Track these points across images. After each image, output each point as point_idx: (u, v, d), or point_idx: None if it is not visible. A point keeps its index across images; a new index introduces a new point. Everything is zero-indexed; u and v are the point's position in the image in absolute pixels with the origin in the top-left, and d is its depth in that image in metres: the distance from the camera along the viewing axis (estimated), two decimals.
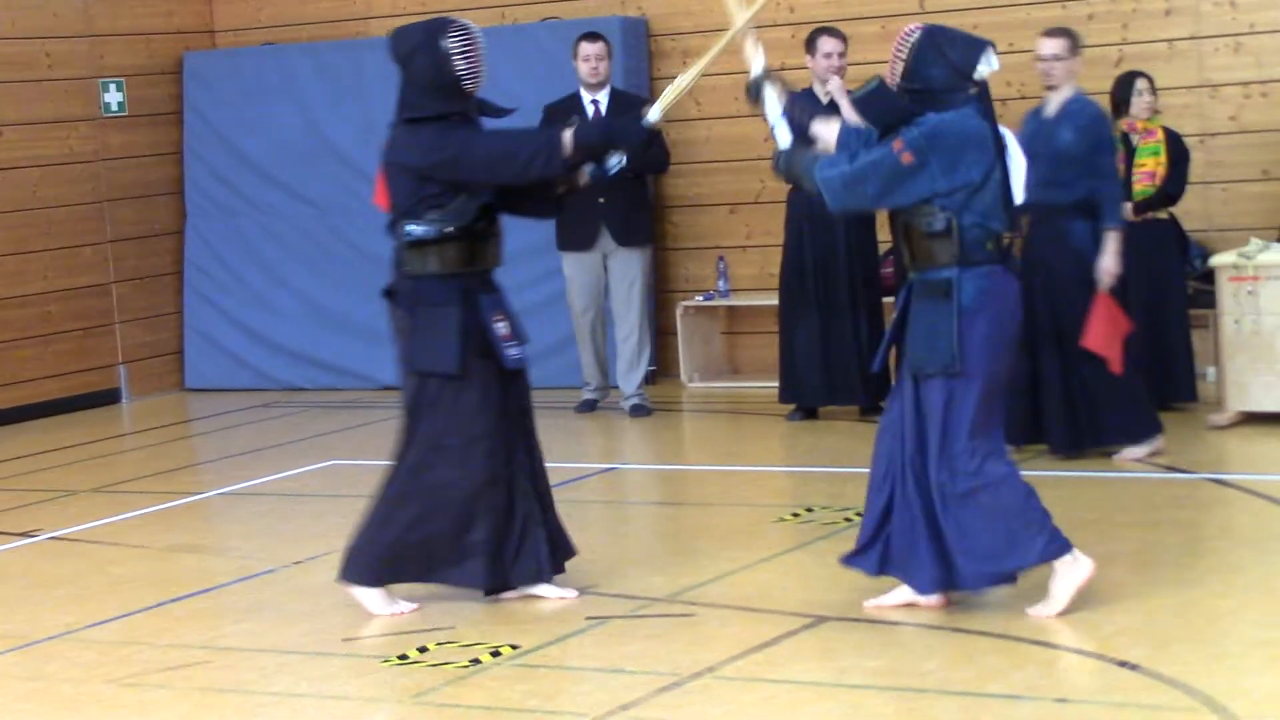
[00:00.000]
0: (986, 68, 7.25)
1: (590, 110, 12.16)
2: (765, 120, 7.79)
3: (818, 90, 11.35)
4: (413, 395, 7.76)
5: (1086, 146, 9.92)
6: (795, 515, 9.17)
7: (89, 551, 9.48)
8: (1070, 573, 7.24)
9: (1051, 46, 10.07)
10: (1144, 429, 10.08)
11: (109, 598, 8.44)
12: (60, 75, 14.08)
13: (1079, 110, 10.00)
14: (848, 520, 8.93)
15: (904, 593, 7.43)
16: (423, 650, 7.28)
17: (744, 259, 13.37)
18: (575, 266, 12.40)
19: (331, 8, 14.80)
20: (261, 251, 14.58)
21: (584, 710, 6.47)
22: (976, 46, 7.28)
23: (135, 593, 8.49)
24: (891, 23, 12.66)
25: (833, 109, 11.25)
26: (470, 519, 7.70)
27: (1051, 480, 9.69)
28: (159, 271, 14.70)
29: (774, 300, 11.90)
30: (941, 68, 7.19)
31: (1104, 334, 9.84)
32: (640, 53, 13.52)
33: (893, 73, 7.28)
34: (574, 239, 12.32)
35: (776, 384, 11.75)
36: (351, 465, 11.37)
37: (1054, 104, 10.04)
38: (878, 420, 11.13)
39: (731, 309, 13.48)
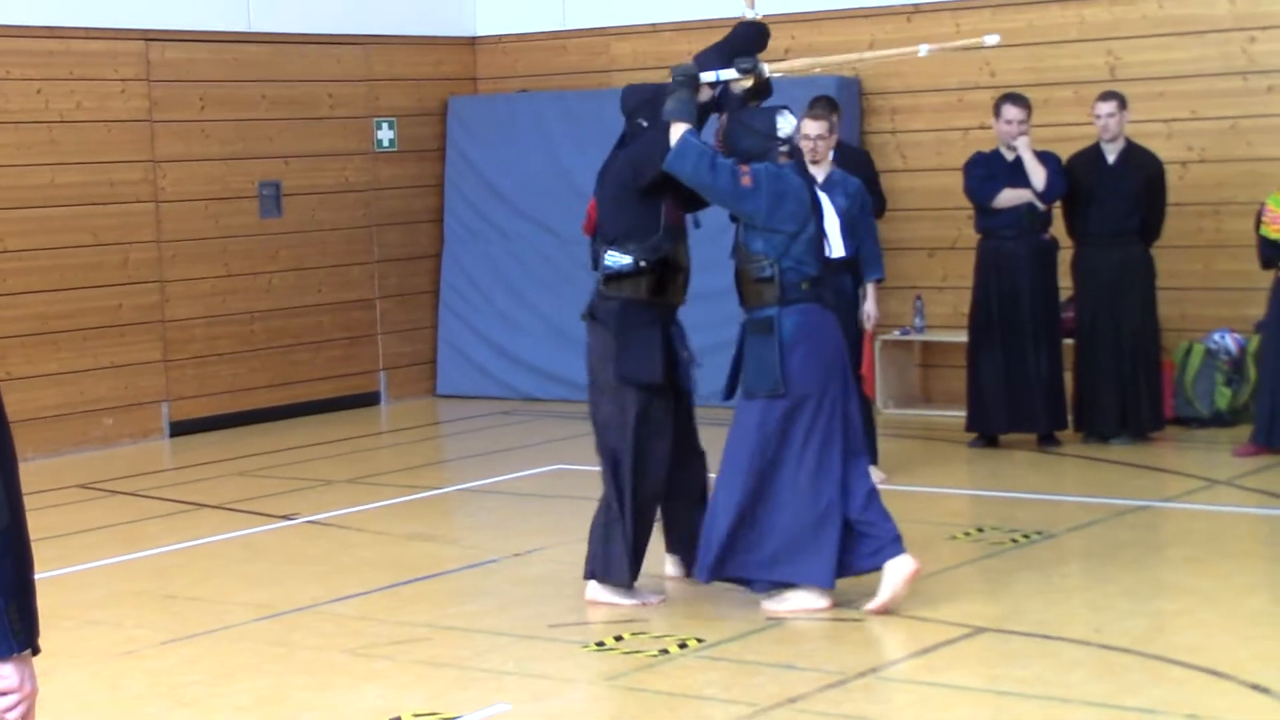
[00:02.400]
0: (786, 126, 7.69)
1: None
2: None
3: (1004, 152, 11.24)
4: (608, 409, 7.93)
5: None
6: (967, 534, 9.11)
7: (338, 535, 9.70)
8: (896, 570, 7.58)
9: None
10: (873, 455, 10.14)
11: (351, 577, 8.63)
12: (340, 114, 14.40)
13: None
14: (1014, 541, 8.87)
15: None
16: (619, 639, 7.36)
17: (939, 298, 13.29)
18: None
19: (579, 60, 14.98)
20: (508, 275, 14.78)
21: (755, 700, 6.50)
22: (772, 112, 7.74)
23: (374, 574, 8.67)
24: (1083, 89, 12.57)
25: (1017, 165, 11.18)
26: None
27: (1191, 513, 9.58)
28: (418, 290, 14.96)
29: (964, 337, 11.81)
30: (751, 138, 7.67)
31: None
32: (854, 111, 13.52)
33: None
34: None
35: (964, 413, 11.67)
36: (576, 469, 11.47)
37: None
38: (1053, 450, 11.18)
39: (926, 344, 13.41)
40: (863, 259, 10.36)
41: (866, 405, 10.45)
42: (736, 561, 7.68)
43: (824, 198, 7.81)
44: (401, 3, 14.87)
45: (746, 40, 8.24)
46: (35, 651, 3.43)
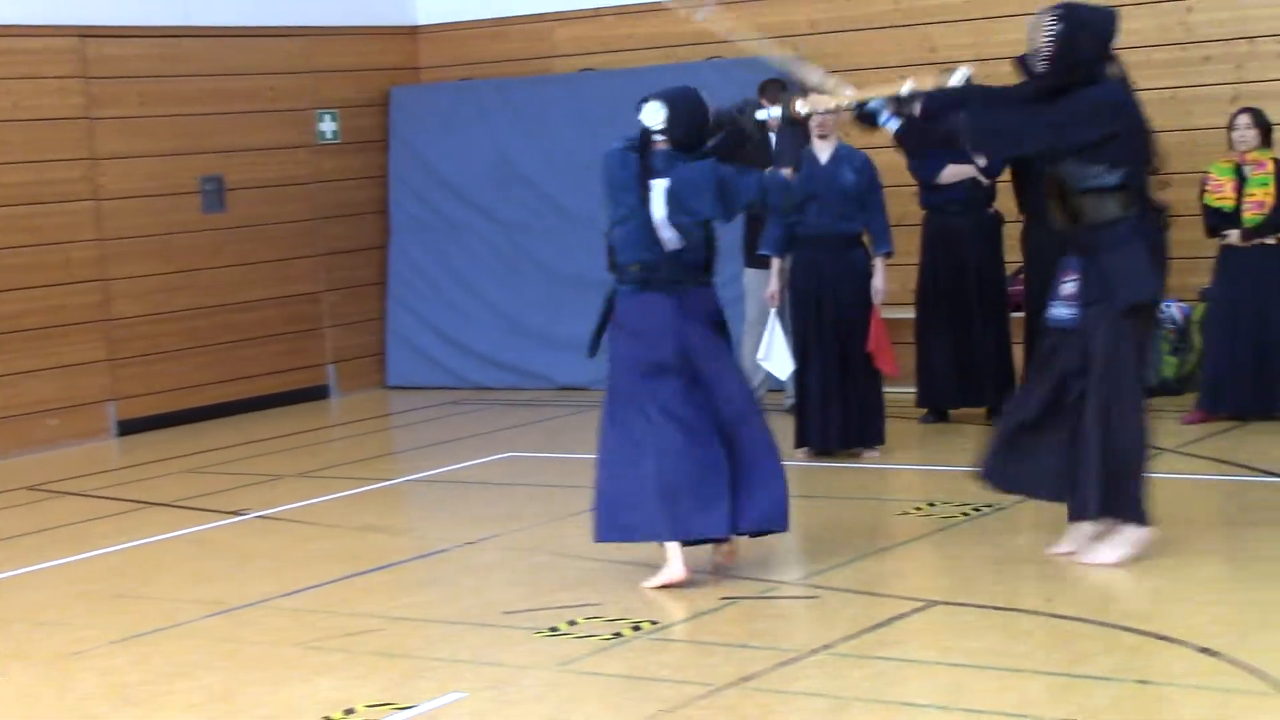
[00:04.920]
0: (644, 118, 7.82)
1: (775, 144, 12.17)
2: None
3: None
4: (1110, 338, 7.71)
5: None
6: (918, 509, 9.12)
7: (289, 529, 9.65)
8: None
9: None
10: (880, 434, 10.55)
11: (302, 571, 8.59)
12: (281, 107, 14.33)
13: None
14: (965, 515, 8.89)
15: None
16: (572, 623, 7.34)
17: (895, 275, 13.25)
18: (755, 281, 12.37)
19: (521, 47, 14.94)
20: (455, 264, 14.74)
21: (709, 680, 6.48)
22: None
23: (325, 567, 8.64)
24: None
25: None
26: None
27: (1157, 481, 9.60)
28: (365, 282, 14.90)
29: (912, 313, 11.81)
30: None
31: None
32: (795, 90, 13.48)
33: None
34: (758, 257, 12.31)
35: (914, 389, 11.68)
36: (527, 457, 11.46)
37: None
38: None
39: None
40: (871, 234, 10.48)
41: (876, 382, 10.50)
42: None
43: (656, 187, 7.78)
44: None
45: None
46: None
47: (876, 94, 7.96)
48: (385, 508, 10.31)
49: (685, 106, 7.85)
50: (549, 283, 13.91)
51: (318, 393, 14.48)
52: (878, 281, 10.49)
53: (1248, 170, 10.93)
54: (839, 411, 10.50)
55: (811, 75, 8.29)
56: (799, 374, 10.64)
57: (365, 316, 14.90)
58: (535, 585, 8.05)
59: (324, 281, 14.57)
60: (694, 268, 7.96)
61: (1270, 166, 10.92)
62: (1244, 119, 11.00)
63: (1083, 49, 7.67)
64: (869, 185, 10.47)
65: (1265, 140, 11.03)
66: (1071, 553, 7.87)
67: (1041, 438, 7.83)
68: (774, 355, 10.47)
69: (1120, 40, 12.38)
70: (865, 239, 10.63)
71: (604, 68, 14.35)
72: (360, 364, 14.86)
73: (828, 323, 10.49)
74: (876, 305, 10.52)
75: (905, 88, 7.90)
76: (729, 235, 12.56)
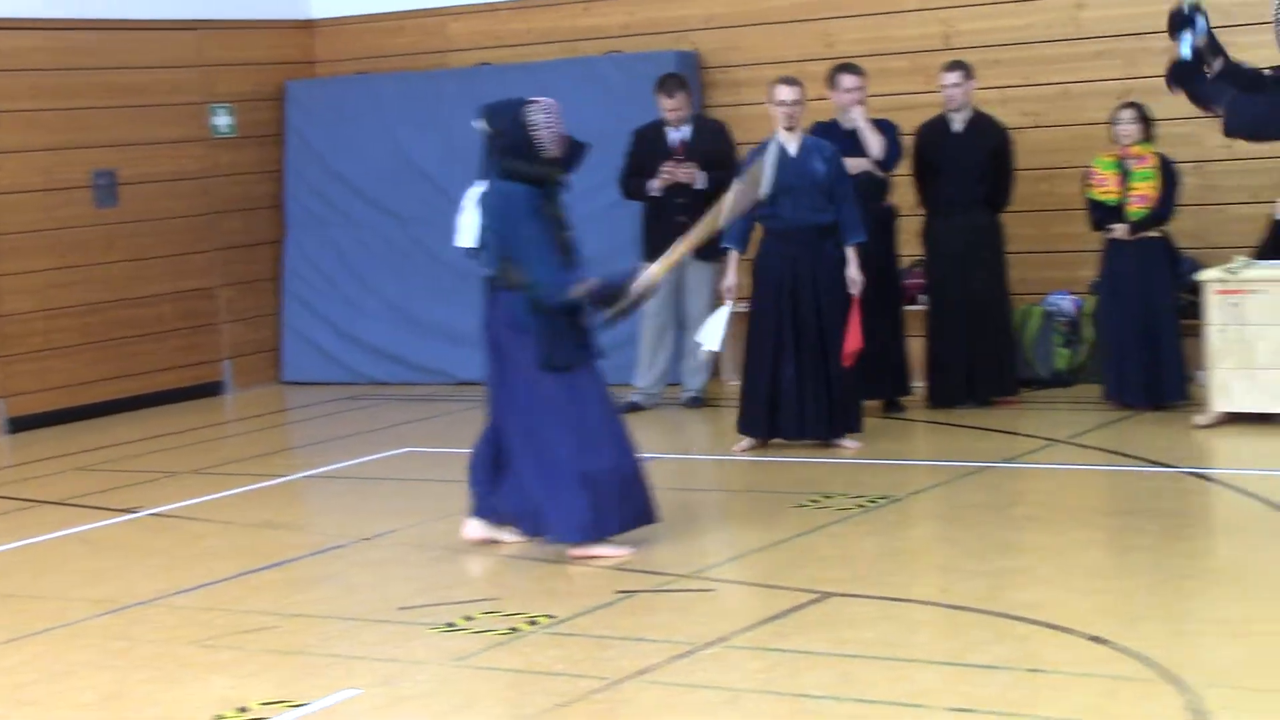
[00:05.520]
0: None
1: (673, 138, 12.21)
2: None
3: (841, 121, 11.32)
4: None
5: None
6: (814, 501, 9.17)
7: (182, 526, 9.57)
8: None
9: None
10: (858, 423, 10.57)
11: (196, 568, 8.52)
12: (176, 101, 14.20)
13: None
14: (860, 507, 8.95)
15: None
16: (468, 619, 7.32)
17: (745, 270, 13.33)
18: None
19: (416, 41, 14.89)
20: (352, 259, 14.68)
21: (605, 674, 6.49)
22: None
23: (219, 564, 8.57)
24: (920, 58, 12.70)
25: (855, 134, 11.25)
26: None
27: (1032, 472, 9.73)
28: (260, 277, 14.81)
29: None
30: None
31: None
32: (693, 85, 13.53)
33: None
34: (656, 251, 12.29)
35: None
36: (425, 453, 11.43)
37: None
38: (899, 415, 11.30)
39: None
40: (842, 223, 10.40)
41: (850, 371, 10.46)
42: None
43: (471, 193, 8.08)
44: None
45: None
46: None
47: None
48: (280, 504, 10.24)
49: (502, 114, 8.13)
50: (445, 277, 13.85)
51: (213, 389, 14.36)
52: (853, 271, 10.39)
53: (1130, 164, 11.06)
54: (818, 402, 10.45)
55: None
56: (766, 367, 10.51)
57: (261, 312, 14.80)
58: (431, 581, 8.04)
59: (219, 276, 14.45)
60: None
61: (1152, 160, 11.06)
62: (1127, 113, 11.14)
63: None
64: (838, 175, 10.45)
65: (1147, 134, 11.17)
66: None
67: None
68: (710, 330, 10.29)
69: (1013, 35, 12.62)
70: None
71: (500, 62, 14.32)
72: (256, 359, 14.75)
73: (806, 315, 10.41)
74: (855, 296, 10.41)
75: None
76: (628, 228, 12.63)
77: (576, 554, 8.18)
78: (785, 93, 10.38)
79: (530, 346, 8.09)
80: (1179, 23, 7.91)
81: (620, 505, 8.20)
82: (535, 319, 8.06)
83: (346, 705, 6.36)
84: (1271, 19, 7.61)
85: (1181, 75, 7.92)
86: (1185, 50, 7.81)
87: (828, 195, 10.39)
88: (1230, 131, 8.00)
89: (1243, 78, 7.76)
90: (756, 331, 10.56)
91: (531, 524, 8.34)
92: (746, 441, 10.64)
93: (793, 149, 10.38)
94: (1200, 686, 5.94)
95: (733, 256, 10.52)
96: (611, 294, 8.12)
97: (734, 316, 10.12)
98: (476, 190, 8.31)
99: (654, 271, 8.31)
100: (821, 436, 10.50)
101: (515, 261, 8.07)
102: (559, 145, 8.13)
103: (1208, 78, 7.78)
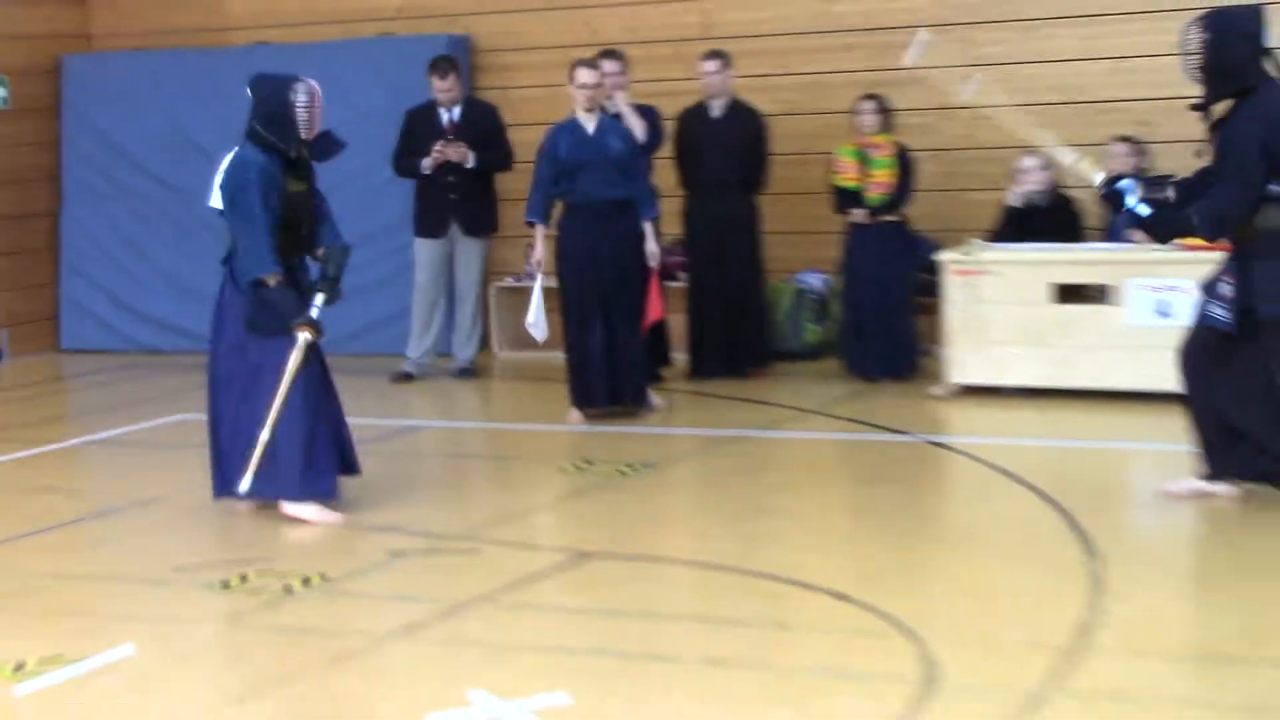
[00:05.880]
0: None
1: (444, 119, 12.21)
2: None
3: (605, 105, 11.38)
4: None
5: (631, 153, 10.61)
6: (577, 467, 9.26)
7: None
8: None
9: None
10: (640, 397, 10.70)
11: None
12: None
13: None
14: (621, 472, 9.06)
15: None
16: (243, 579, 7.28)
17: (550, 245, 13.39)
18: (426, 252, 12.40)
19: (195, 18, 14.68)
20: (129, 231, 14.47)
21: (374, 630, 6.51)
22: None
23: None
24: (681, 46, 12.84)
25: (617, 118, 11.32)
26: None
27: (783, 440, 9.91)
28: (36, 247, 14.51)
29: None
30: None
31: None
32: (464, 68, 13.55)
33: None
34: (427, 228, 12.34)
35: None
36: (199, 419, 11.25)
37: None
38: (657, 387, 11.44)
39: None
40: (638, 200, 10.51)
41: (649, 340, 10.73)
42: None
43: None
44: None
45: None
46: None
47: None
48: (56, 469, 10.07)
49: (266, 85, 8.14)
50: (220, 248, 13.68)
51: None
52: (651, 245, 10.51)
53: (870, 152, 11.34)
54: (628, 370, 10.54)
55: (1067, 157, 8.37)
56: (579, 338, 10.56)
57: (38, 281, 14.50)
58: (206, 542, 7.98)
59: None
60: None
61: (891, 149, 11.35)
62: (867, 104, 11.42)
63: (1234, 53, 7.41)
64: (631, 153, 10.55)
65: (887, 125, 11.45)
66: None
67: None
68: (534, 315, 10.43)
69: (770, 26, 12.81)
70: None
71: (277, 42, 14.18)
72: (33, 328, 14.47)
73: (607, 285, 10.47)
74: (654, 267, 10.54)
75: (1070, 158, 8.12)
76: (400, 205, 12.61)
77: (289, 512, 8.22)
78: (585, 75, 10.50)
79: (243, 306, 8.10)
80: (1115, 199, 7.97)
81: (326, 469, 8.22)
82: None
83: (123, 663, 6.30)
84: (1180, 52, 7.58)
85: (1151, 225, 7.98)
86: (1142, 210, 7.83)
87: (623, 171, 10.50)
88: (1211, 238, 7.88)
89: (1190, 189, 7.76)
90: (564, 305, 10.63)
91: (257, 484, 8.22)
92: (577, 414, 10.63)
93: (590, 128, 10.48)
94: (931, 638, 6.12)
95: (539, 231, 10.61)
96: (282, 305, 8.07)
97: (545, 291, 10.27)
98: (227, 157, 8.28)
99: (310, 315, 8.14)
100: (634, 401, 10.62)
101: (229, 226, 8.06)
102: (312, 129, 8.09)
103: (1165, 212, 7.77)
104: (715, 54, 11.81)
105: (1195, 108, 7.60)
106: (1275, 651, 5.98)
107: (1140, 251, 10.53)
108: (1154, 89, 11.67)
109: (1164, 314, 10.24)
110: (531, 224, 10.61)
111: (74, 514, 8.75)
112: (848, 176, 11.40)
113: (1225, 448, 7.79)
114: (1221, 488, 7.89)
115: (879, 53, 12.43)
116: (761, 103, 12.26)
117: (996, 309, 10.70)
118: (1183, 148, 11.46)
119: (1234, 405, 7.71)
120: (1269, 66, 7.46)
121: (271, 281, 8.02)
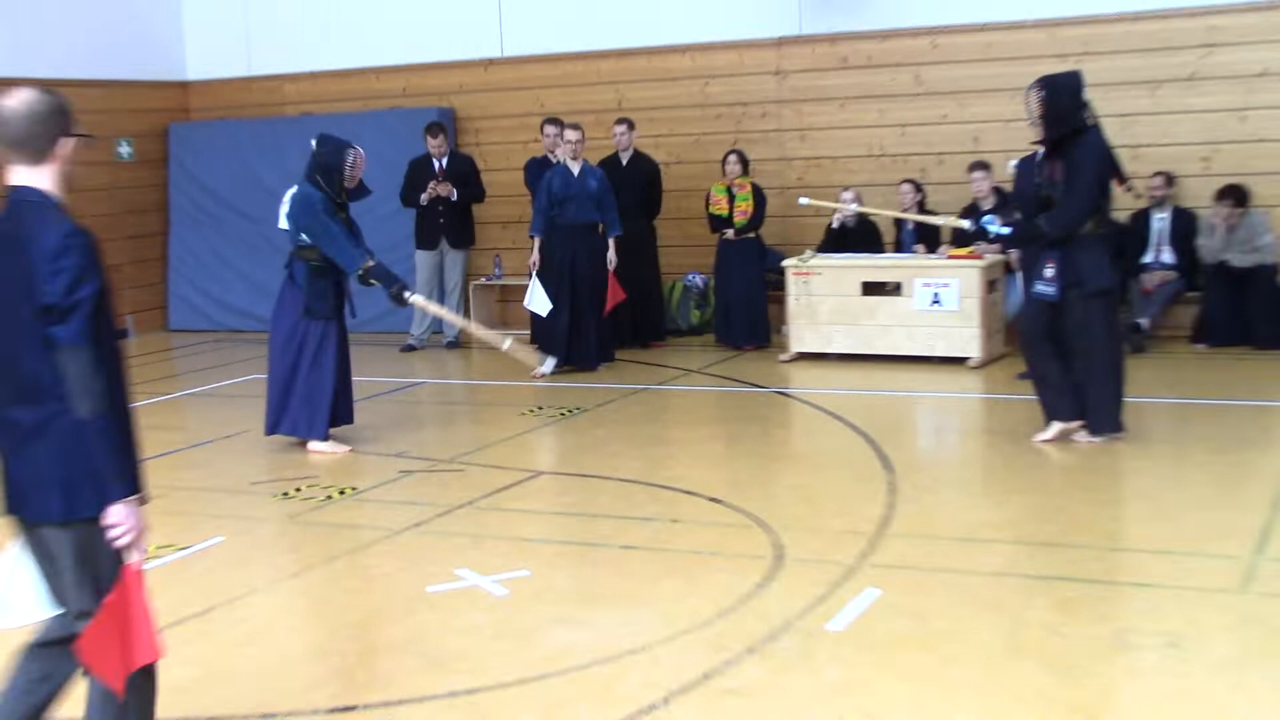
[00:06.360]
0: None
1: (436, 166, 12.05)
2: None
3: (550, 158, 11.22)
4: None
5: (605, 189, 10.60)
6: (531, 411, 9.18)
7: None
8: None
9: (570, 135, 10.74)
10: (612, 355, 10.75)
11: None
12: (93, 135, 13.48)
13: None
14: (563, 414, 8.98)
15: None
16: (297, 490, 7.20)
17: (510, 255, 13.33)
18: (423, 259, 12.27)
19: (261, 96, 14.38)
20: (216, 245, 14.13)
21: (391, 526, 6.46)
22: None
23: None
24: (603, 115, 12.70)
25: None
26: None
27: (677, 391, 9.86)
28: (152, 257, 14.17)
29: (526, 282, 11.81)
30: None
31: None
32: (450, 130, 13.39)
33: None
34: (424, 242, 12.23)
35: (528, 333, 11.65)
36: (264, 378, 11.06)
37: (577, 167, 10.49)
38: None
39: (504, 286, 13.39)
40: (605, 223, 10.63)
41: (607, 321, 10.69)
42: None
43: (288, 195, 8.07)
44: None
45: None
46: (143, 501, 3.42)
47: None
48: (167, 413, 9.79)
49: (329, 144, 7.89)
50: (284, 258, 13.46)
51: (120, 334, 13.69)
52: (612, 255, 10.60)
53: (735, 190, 11.28)
54: (583, 341, 10.58)
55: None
56: (554, 315, 10.48)
57: (152, 281, 14.18)
58: (272, 465, 7.86)
59: (124, 256, 13.68)
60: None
61: (748, 188, 11.30)
62: (732, 157, 11.36)
63: (1065, 104, 7.18)
64: (604, 190, 10.57)
65: (745, 170, 11.40)
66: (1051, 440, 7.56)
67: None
68: (535, 300, 10.44)
69: (663, 101, 12.69)
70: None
71: (319, 113, 13.92)
72: (149, 315, 14.09)
73: (579, 282, 10.56)
74: (612, 271, 10.60)
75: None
76: (405, 227, 12.45)
77: (312, 449, 8.08)
78: (571, 135, 10.56)
79: (300, 299, 7.96)
80: (982, 230, 7.76)
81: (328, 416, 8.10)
82: (307, 280, 7.89)
83: (214, 549, 6.22)
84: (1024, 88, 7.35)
85: (1013, 238, 7.64)
86: (1004, 230, 7.58)
87: (596, 203, 10.52)
88: (1060, 238, 7.32)
89: (1031, 206, 7.46)
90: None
91: (289, 425, 8.11)
92: (550, 363, 10.50)
93: (575, 170, 10.50)
94: (780, 529, 6.15)
95: (536, 241, 10.59)
96: (385, 277, 7.92)
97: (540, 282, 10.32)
98: (291, 191, 8.13)
99: (415, 298, 8.03)
100: (589, 365, 10.60)
101: (312, 242, 7.86)
102: (353, 182, 7.97)
103: (1020, 227, 7.49)
104: (624, 120, 11.73)
105: (1037, 142, 7.37)
106: (1019, 534, 6.01)
107: (920, 259, 10.54)
108: (927, 147, 11.68)
109: (937, 302, 10.26)
110: (532, 237, 10.65)
111: (180, 444, 8.59)
112: (719, 207, 11.35)
113: (1057, 395, 7.52)
114: (1056, 427, 7.54)
115: (739, 120, 12.40)
116: (657, 155, 12.19)
117: (823, 299, 10.68)
118: (958, 188, 11.50)
119: (1060, 361, 7.45)
120: (1087, 114, 7.29)
121: (370, 264, 7.83)
